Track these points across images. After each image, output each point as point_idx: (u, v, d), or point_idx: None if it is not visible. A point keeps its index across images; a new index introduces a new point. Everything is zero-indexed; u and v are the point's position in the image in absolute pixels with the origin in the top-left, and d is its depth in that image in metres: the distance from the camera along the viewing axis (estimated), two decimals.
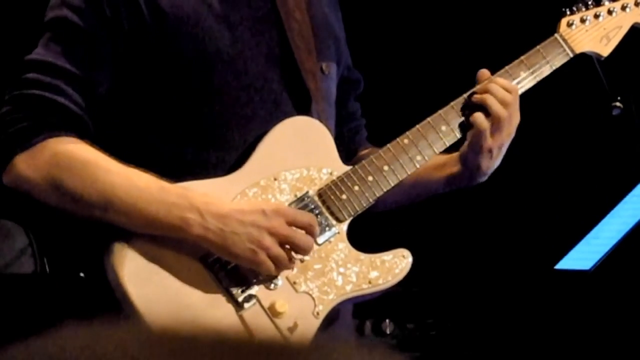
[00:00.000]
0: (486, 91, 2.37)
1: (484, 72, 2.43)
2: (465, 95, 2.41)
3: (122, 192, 2.13)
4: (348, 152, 2.49)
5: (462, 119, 2.39)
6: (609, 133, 4.33)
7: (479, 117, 2.35)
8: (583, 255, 3.91)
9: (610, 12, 2.59)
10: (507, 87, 2.38)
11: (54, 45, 2.22)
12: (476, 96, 2.38)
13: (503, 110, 2.35)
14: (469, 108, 2.38)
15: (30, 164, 2.16)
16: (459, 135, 2.40)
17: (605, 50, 2.57)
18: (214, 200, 2.16)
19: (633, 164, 3.78)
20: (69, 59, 2.20)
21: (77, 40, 2.21)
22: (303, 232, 2.19)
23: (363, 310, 4.11)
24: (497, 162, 2.41)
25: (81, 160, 2.16)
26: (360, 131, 2.61)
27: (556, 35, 2.52)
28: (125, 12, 2.20)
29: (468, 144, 2.38)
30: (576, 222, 4.05)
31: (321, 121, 2.33)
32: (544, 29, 2.54)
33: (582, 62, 2.68)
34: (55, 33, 2.24)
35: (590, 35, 2.55)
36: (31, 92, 2.19)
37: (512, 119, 2.37)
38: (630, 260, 3.96)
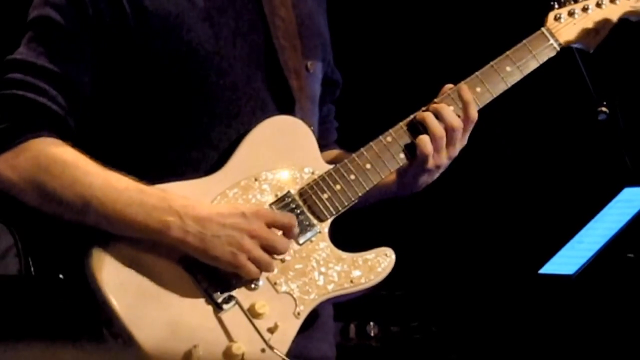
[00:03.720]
0: (434, 111, 2.36)
1: (448, 88, 2.42)
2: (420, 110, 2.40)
3: (100, 194, 2.12)
4: None
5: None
6: (594, 138, 4.35)
7: (424, 140, 2.34)
8: (567, 260, 3.92)
9: (598, 4, 2.56)
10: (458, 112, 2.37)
11: (36, 45, 2.22)
12: (418, 114, 2.37)
13: (441, 132, 2.34)
14: (416, 126, 2.37)
15: (11, 165, 2.16)
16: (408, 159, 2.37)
17: (593, 44, 2.55)
18: (193, 203, 2.15)
19: (618, 169, 3.79)
20: (51, 59, 2.20)
21: (59, 39, 2.21)
22: (282, 234, 2.19)
23: (347, 313, 4.11)
24: (432, 179, 2.42)
25: (61, 162, 2.15)
26: (329, 134, 2.62)
27: (543, 29, 2.51)
28: (108, 11, 2.20)
29: (410, 161, 2.37)
30: (560, 226, 4.06)
31: (304, 120, 2.33)
32: (532, 22, 2.53)
33: (569, 66, 2.68)
34: (38, 32, 2.23)
35: (578, 28, 2.53)
36: (13, 92, 2.19)
37: (456, 143, 2.37)
38: (614, 266, 3.96)
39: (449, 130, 2.34)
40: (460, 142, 2.38)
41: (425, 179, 2.40)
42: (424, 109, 2.38)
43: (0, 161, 2.16)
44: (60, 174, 2.14)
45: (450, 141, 2.35)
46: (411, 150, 2.36)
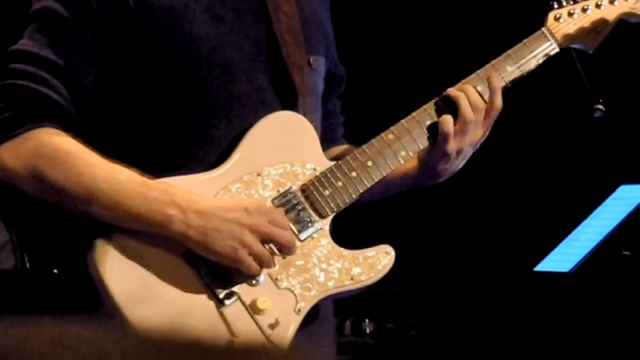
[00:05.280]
0: (462, 90, 2.37)
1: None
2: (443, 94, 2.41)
3: (104, 186, 2.12)
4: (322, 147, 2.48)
5: (435, 119, 2.38)
6: (590, 135, 4.35)
7: (446, 119, 2.35)
8: (563, 258, 3.93)
9: (598, 5, 2.56)
10: (485, 95, 2.38)
11: (39, 36, 2.22)
12: (452, 92, 2.38)
13: (471, 114, 2.35)
14: (441, 109, 2.38)
15: (13, 155, 2.15)
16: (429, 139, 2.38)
17: (592, 44, 2.56)
18: (196, 197, 2.15)
19: (614, 167, 3.80)
20: (54, 50, 2.20)
21: (63, 32, 2.20)
22: (285, 230, 2.19)
23: (343, 310, 4.11)
24: (454, 167, 2.41)
25: (64, 152, 2.15)
26: (336, 129, 2.63)
27: (543, 29, 2.51)
28: (111, 4, 2.20)
29: (430, 144, 2.38)
30: (556, 224, 4.06)
31: (307, 116, 2.33)
32: (532, 22, 2.53)
33: (565, 64, 2.68)
34: (41, 24, 2.23)
35: (578, 29, 2.53)
36: (15, 82, 2.19)
37: (478, 128, 2.37)
38: (610, 263, 3.97)
39: (474, 110, 2.35)
40: (482, 128, 2.38)
41: (447, 167, 2.39)
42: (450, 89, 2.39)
43: (2, 150, 2.16)
44: (63, 164, 2.14)
45: (472, 124, 2.36)
46: (433, 133, 2.37)
